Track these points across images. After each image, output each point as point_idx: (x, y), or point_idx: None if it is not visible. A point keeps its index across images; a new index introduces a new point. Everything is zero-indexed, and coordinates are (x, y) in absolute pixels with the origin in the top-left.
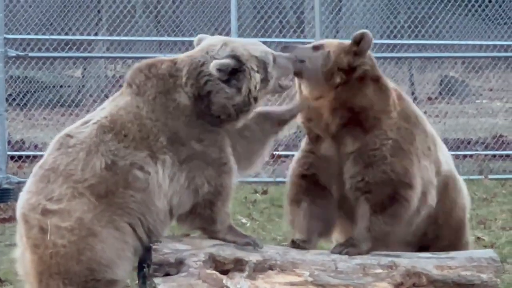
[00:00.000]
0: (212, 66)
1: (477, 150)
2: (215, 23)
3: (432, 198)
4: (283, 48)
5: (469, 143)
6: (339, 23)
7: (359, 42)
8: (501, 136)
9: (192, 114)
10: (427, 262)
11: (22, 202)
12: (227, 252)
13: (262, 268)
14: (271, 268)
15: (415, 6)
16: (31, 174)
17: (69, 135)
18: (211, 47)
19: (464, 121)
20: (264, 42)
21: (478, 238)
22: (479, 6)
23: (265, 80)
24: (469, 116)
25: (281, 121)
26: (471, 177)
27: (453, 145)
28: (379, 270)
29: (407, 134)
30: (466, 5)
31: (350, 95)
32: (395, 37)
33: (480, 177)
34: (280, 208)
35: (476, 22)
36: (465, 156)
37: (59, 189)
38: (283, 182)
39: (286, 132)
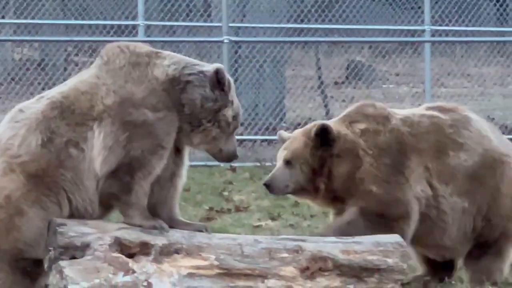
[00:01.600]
0: (214, 66)
1: None
2: (122, 7)
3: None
4: (269, 187)
5: None
6: (246, 7)
7: (319, 135)
8: None
9: (159, 87)
10: (333, 247)
11: None
12: (133, 235)
13: (168, 251)
14: (177, 251)
15: None
16: None
17: (21, 110)
18: None
19: None
20: (171, 26)
21: None
22: None
23: (228, 126)
24: (376, 101)
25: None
26: None
27: None
28: (285, 254)
29: (390, 168)
30: None
31: (332, 188)
32: (302, 21)
33: None
34: (187, 192)
35: (383, 7)
36: None
37: None
38: (191, 166)
39: None
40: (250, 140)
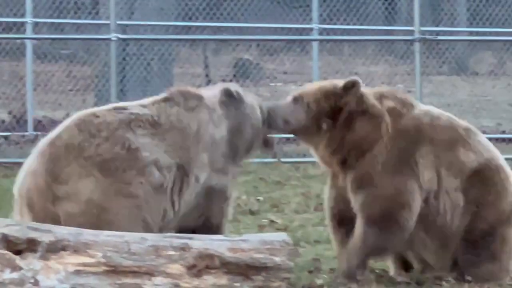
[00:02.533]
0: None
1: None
2: (10, 4)
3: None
4: (269, 115)
5: None
6: (134, 5)
7: (350, 89)
8: None
9: (225, 147)
10: (220, 245)
11: (29, 184)
12: (20, 232)
13: (55, 248)
14: (64, 248)
15: None
16: (37, 148)
17: (95, 115)
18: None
19: None
20: (59, 24)
21: (272, 221)
22: None
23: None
24: (264, 99)
25: None
26: (265, 160)
27: None
28: (171, 252)
29: (402, 152)
30: None
31: (340, 136)
32: (189, 19)
33: (274, 160)
34: None
35: (271, 5)
36: None
37: (68, 168)
38: None
39: None
40: None
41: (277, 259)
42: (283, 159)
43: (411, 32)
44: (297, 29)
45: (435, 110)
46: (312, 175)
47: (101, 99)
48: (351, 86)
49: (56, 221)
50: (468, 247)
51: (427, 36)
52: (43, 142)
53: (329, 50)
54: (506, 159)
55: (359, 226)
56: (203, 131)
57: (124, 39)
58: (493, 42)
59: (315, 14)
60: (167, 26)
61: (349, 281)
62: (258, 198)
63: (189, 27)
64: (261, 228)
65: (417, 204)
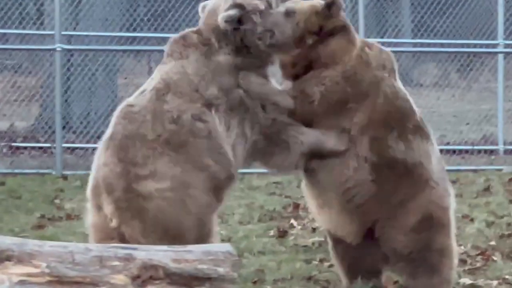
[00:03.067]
0: (220, 20)
1: None
2: None
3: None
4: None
5: None
6: (79, 15)
7: (330, 7)
8: None
9: (234, 67)
10: (164, 255)
11: (106, 173)
12: None
13: None
14: (8, 259)
15: (155, 0)
16: (99, 148)
17: (130, 105)
18: (218, 7)
19: None
20: (4, 34)
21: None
22: None
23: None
24: None
25: None
26: None
27: None
28: (116, 263)
29: (346, 96)
30: None
31: (315, 49)
32: (134, 30)
33: None
34: (18, 199)
35: None
36: None
37: (140, 152)
38: (22, 174)
39: (26, 124)
40: (82, 148)
41: (221, 270)
42: None
43: None
44: None
45: (407, 96)
46: (256, 186)
47: (45, 109)
48: (331, 5)
49: (141, 199)
50: (402, 258)
51: None
52: (103, 142)
53: None
54: (450, 170)
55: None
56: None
57: (68, 50)
58: (438, 54)
59: None
60: (112, 37)
61: None
62: None
63: (134, 38)
64: None
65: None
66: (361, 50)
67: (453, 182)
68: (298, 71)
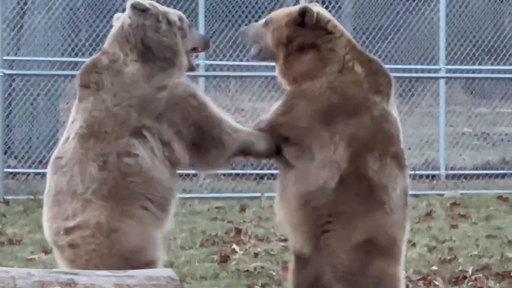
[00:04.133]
0: (128, 5)
1: None
2: None
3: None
4: (242, 33)
5: None
6: (21, 40)
7: (303, 15)
8: None
9: (145, 73)
10: (106, 280)
11: (47, 231)
12: None
13: None
14: None
15: (96, 24)
16: (44, 204)
17: (58, 157)
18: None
19: None
20: None
21: None
22: None
23: (182, 30)
24: None
25: None
26: None
27: None
28: None
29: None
30: None
31: (289, 66)
32: (76, 54)
33: None
34: None
35: None
36: None
37: (70, 206)
38: None
39: None
40: (24, 173)
41: None
42: None
43: None
44: None
45: (397, 123)
46: (198, 211)
47: None
48: (302, 14)
49: (73, 245)
50: (338, 279)
51: None
52: (44, 195)
53: (215, 86)
54: None
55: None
56: None
57: (10, 75)
58: None
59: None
60: (54, 62)
61: None
62: None
63: (76, 63)
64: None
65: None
66: (347, 69)
67: None
68: (290, 82)
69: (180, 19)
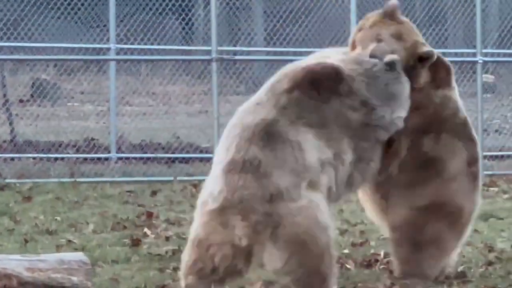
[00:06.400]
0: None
1: (68, 153)
2: None
3: None
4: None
5: (60, 145)
6: None
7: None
8: (92, 139)
9: None
10: (18, 264)
11: (242, 195)
12: None
13: None
14: None
15: (7, 8)
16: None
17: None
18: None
19: (55, 123)
20: None
21: (69, 241)
22: (72, 8)
23: None
24: (61, 119)
25: None
26: (63, 180)
27: (44, 147)
28: None
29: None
30: (59, 8)
31: None
32: None
33: (71, 179)
34: None
35: (69, 25)
36: (56, 159)
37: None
38: None
39: None
40: None
41: (74, 279)
42: (79, 179)
43: (208, 52)
44: (94, 49)
45: (455, 98)
46: (110, 195)
47: None
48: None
49: (278, 219)
50: None
51: (224, 56)
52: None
53: (126, 70)
54: None
55: None
56: None
57: None
58: (290, 62)
59: (112, 34)
60: None
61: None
62: (56, 218)
63: None
64: (58, 248)
65: None
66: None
67: None
68: None
69: None
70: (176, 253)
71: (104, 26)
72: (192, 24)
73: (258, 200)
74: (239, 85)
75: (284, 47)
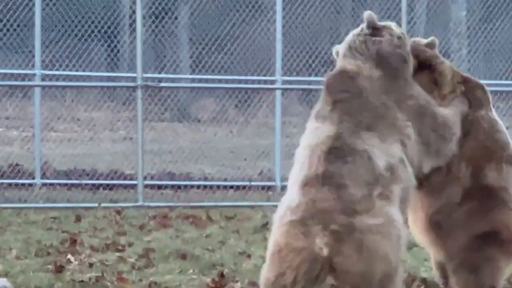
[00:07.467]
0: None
1: None
2: None
3: None
4: None
5: None
6: None
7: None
8: (17, 164)
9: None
10: None
11: (322, 207)
12: None
13: None
14: None
15: None
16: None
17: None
18: None
19: None
20: None
21: None
22: None
23: None
24: None
25: None
26: None
27: None
28: None
29: None
30: None
31: None
32: None
33: None
34: None
35: None
36: None
37: (358, 192)
38: None
39: None
40: None
41: None
42: (3, 205)
43: (133, 79)
44: (19, 74)
45: (503, 127)
46: (33, 221)
47: None
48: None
49: (358, 232)
50: None
51: (149, 83)
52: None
53: (51, 96)
54: (227, 206)
55: None
56: None
57: None
58: (215, 89)
59: (37, 59)
60: None
61: None
62: None
63: None
64: None
65: None
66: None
67: (231, 218)
68: None
69: None
70: (99, 280)
71: (30, 51)
72: (118, 51)
73: (337, 211)
74: (164, 112)
75: (210, 74)
